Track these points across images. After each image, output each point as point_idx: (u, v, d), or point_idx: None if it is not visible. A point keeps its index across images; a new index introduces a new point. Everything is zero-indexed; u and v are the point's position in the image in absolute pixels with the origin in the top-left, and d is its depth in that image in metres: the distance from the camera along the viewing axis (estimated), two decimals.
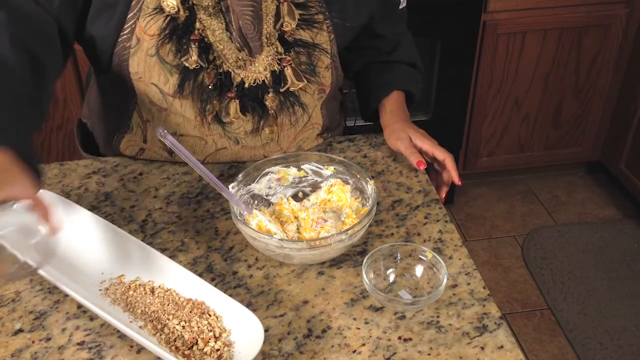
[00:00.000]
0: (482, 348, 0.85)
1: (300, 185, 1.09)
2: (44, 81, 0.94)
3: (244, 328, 0.83)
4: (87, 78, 1.31)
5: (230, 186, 1.01)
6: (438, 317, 0.90)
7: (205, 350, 0.82)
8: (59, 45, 1.00)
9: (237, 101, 1.08)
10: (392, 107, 1.21)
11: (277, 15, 1.04)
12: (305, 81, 1.09)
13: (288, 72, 1.07)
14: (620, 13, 2.27)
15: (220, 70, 1.05)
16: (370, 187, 1.02)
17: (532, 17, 2.23)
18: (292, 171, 1.08)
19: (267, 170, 1.06)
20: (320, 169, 1.08)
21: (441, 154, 1.13)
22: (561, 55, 2.34)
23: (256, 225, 0.97)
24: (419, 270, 0.95)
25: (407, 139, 1.15)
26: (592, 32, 2.30)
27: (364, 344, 0.86)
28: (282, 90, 1.08)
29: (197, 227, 1.05)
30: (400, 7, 1.22)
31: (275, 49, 1.05)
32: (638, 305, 2.14)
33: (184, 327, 0.85)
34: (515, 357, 0.84)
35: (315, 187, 1.08)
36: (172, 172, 1.17)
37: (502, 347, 0.86)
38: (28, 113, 0.88)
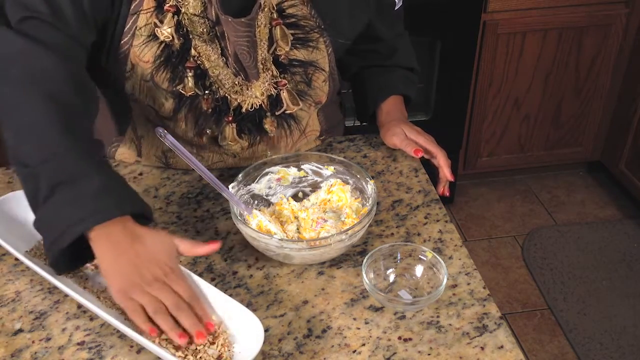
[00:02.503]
0: (482, 348, 0.85)
1: (300, 185, 1.09)
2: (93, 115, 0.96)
3: (244, 328, 0.83)
4: None
5: (230, 186, 1.01)
6: (438, 317, 0.90)
7: (205, 350, 0.82)
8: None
9: (234, 125, 1.07)
10: (389, 108, 1.22)
11: (271, 39, 1.01)
12: (301, 105, 1.08)
13: (284, 95, 1.05)
14: (620, 13, 2.27)
15: (217, 96, 1.04)
16: (370, 187, 1.02)
17: (532, 17, 2.22)
18: (292, 171, 1.08)
19: (267, 170, 1.06)
20: (320, 169, 1.08)
21: (433, 150, 1.13)
22: (561, 55, 2.33)
23: (256, 225, 0.97)
24: (419, 270, 0.95)
25: (401, 133, 1.16)
26: (592, 32, 2.30)
27: (364, 344, 0.86)
28: (277, 113, 1.07)
29: (197, 227, 1.05)
30: (396, 8, 1.22)
31: (271, 73, 1.04)
32: (638, 305, 2.14)
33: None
34: (515, 357, 0.84)
35: (315, 187, 1.08)
36: (172, 172, 1.17)
37: (502, 347, 0.86)
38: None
